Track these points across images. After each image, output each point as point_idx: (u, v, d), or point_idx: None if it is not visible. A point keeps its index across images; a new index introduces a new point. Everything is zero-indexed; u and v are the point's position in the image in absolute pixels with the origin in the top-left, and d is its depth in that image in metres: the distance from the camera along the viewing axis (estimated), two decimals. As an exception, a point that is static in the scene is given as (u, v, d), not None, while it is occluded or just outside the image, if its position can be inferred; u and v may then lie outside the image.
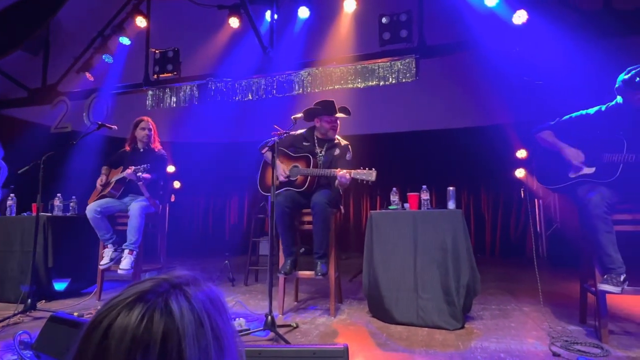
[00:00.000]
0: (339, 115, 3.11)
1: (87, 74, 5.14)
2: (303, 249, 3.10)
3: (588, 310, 2.66)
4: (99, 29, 5.08)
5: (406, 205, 3.00)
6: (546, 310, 3.01)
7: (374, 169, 2.75)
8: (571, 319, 2.76)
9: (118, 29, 4.96)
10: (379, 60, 4.01)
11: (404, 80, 3.89)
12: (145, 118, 3.67)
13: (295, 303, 3.38)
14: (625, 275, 2.22)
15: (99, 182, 3.60)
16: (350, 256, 6.64)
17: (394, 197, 3.09)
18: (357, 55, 4.15)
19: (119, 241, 3.44)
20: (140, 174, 3.26)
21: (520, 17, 3.60)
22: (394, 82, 3.93)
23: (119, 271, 3.24)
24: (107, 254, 3.40)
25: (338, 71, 4.18)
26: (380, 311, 2.79)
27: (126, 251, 3.30)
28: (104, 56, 5.00)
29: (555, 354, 2.06)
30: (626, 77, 2.34)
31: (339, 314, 2.99)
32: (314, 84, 4.27)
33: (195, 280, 0.55)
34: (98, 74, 5.19)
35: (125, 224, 3.40)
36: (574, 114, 2.60)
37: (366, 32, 4.12)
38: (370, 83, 4.04)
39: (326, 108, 3.07)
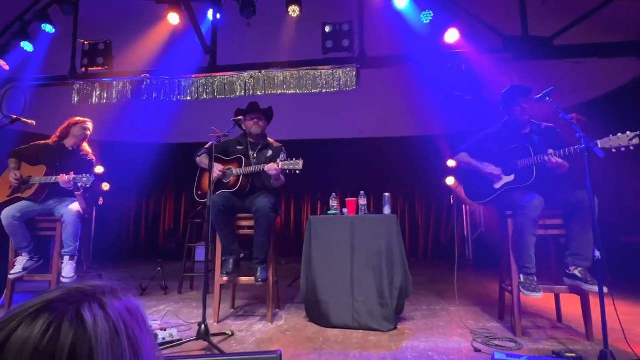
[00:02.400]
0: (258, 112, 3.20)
1: (1, 62, 4.60)
2: (243, 254, 3.04)
3: (506, 308, 2.91)
4: (18, 13, 4.59)
5: (345, 210, 3.07)
6: (470, 309, 3.24)
7: (301, 158, 2.82)
8: (492, 316, 3.00)
9: (41, 14, 4.50)
10: (321, 68, 4.08)
11: (345, 88, 3.99)
12: (90, 121, 3.44)
13: (232, 310, 3.29)
14: (535, 274, 2.46)
15: (13, 178, 3.18)
16: (290, 261, 6.63)
17: (334, 202, 3.16)
18: (300, 61, 4.18)
19: (36, 249, 3.12)
20: (80, 184, 2.97)
21: (451, 36, 3.87)
22: (335, 89, 4.01)
23: (62, 280, 3.00)
24: (19, 262, 3.05)
25: (281, 76, 4.18)
26: (318, 315, 2.81)
27: (66, 258, 3.06)
28: (22, 43, 4.51)
29: (476, 350, 2.22)
30: (502, 99, 2.80)
31: (276, 319, 2.96)
32: (257, 87, 4.22)
33: (112, 290, 0.51)
34: (15, 63, 4.67)
35: (47, 229, 3.15)
36: (480, 135, 2.94)
37: (309, 39, 4.17)
38: (312, 90, 4.09)
39: (247, 108, 3.18)
